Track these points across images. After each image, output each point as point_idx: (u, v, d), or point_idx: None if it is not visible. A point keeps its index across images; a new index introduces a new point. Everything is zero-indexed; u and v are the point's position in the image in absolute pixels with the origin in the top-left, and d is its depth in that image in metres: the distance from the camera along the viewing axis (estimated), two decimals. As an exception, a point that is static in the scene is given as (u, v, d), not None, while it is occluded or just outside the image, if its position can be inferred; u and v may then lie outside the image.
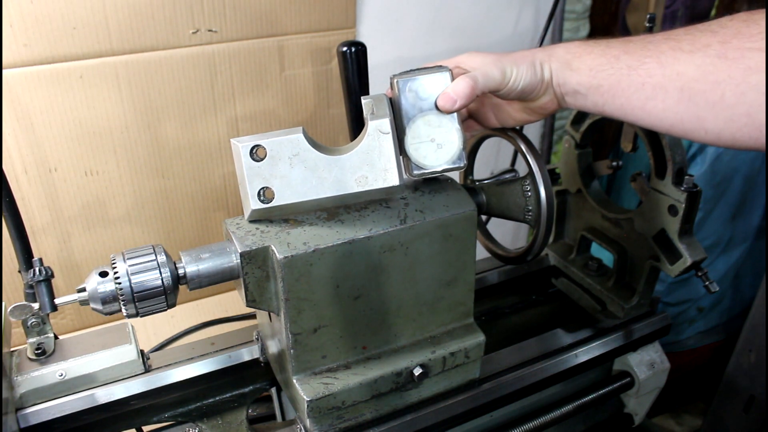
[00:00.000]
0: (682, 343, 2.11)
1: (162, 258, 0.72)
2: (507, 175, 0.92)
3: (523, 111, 0.82)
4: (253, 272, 0.73)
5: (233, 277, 0.75)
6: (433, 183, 0.83)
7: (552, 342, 1.03)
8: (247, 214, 0.74)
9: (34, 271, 0.78)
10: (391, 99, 0.76)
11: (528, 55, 0.76)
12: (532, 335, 1.04)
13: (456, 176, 0.91)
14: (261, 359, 0.93)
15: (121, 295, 0.70)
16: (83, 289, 0.71)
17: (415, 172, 0.76)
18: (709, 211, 1.86)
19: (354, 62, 0.82)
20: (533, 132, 1.91)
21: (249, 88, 1.34)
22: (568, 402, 1.07)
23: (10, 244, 0.80)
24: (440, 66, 0.75)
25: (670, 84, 0.66)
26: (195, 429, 0.91)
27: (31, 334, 0.83)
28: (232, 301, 1.45)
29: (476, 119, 0.87)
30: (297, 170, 0.72)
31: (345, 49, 0.82)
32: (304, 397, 0.77)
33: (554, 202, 0.84)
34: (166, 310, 0.74)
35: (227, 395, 0.93)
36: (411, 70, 0.76)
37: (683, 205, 0.94)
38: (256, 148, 0.71)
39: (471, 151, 0.99)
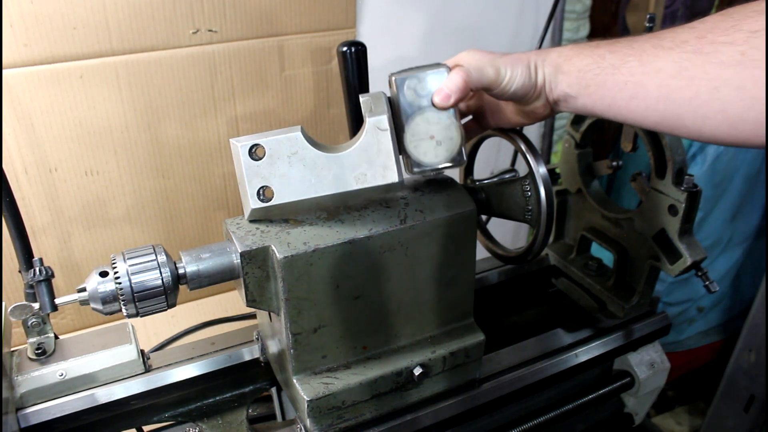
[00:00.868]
0: (682, 343, 2.11)
1: (162, 258, 0.72)
2: (507, 175, 0.92)
3: (518, 114, 0.82)
4: (254, 272, 0.73)
5: (233, 277, 0.75)
6: (434, 183, 0.83)
7: (552, 342, 1.03)
8: (246, 213, 0.74)
9: (35, 271, 0.78)
10: (389, 97, 0.76)
11: (524, 58, 0.76)
12: (532, 335, 1.04)
13: (456, 176, 0.91)
14: (261, 359, 0.93)
15: (122, 295, 0.70)
16: (83, 289, 0.71)
17: (415, 169, 0.76)
18: (709, 211, 1.86)
19: (354, 62, 0.82)
20: (533, 132, 1.91)
21: (249, 88, 1.34)
22: (568, 401, 1.07)
23: (11, 243, 0.80)
24: (438, 63, 0.75)
25: (649, 81, 0.66)
26: (195, 429, 0.91)
27: (32, 333, 0.83)
28: (233, 301, 1.45)
29: (475, 120, 0.87)
30: (296, 168, 0.72)
31: (345, 49, 0.82)
32: (305, 396, 0.77)
33: (554, 202, 0.84)
34: (166, 309, 0.74)
35: (227, 395, 0.93)
36: (409, 69, 0.76)
37: (683, 205, 0.94)
38: (255, 147, 0.71)
39: (471, 151, 0.99)
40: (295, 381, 0.79)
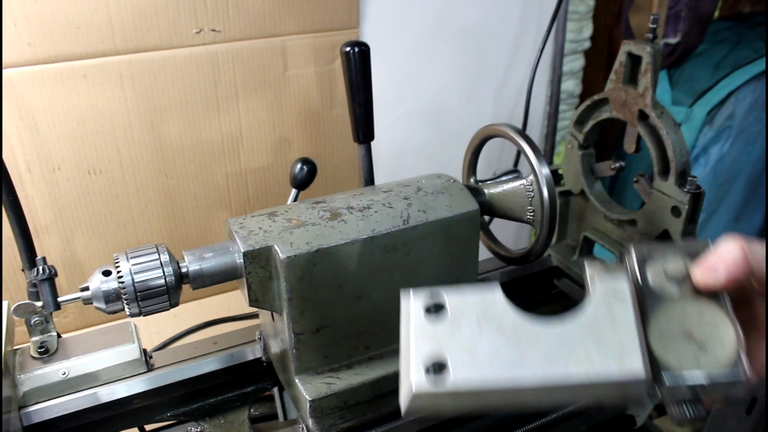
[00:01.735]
0: (684, 345, 2.11)
1: (165, 257, 0.72)
2: (510, 176, 0.92)
3: None
4: (256, 272, 0.73)
5: (236, 276, 0.75)
6: (436, 183, 0.83)
7: (554, 343, 1.02)
8: (403, 396, 0.51)
9: (38, 269, 0.78)
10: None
11: None
12: (534, 336, 1.03)
13: (458, 176, 0.91)
14: (263, 359, 0.93)
15: (124, 294, 0.70)
16: (86, 288, 0.72)
17: (668, 383, 0.51)
18: (712, 213, 1.86)
19: (357, 62, 0.82)
20: (536, 133, 1.91)
21: (252, 88, 1.34)
22: (569, 403, 1.06)
23: (14, 242, 0.80)
24: (696, 239, 0.61)
25: None
26: (197, 428, 0.91)
27: (35, 332, 0.84)
28: (235, 301, 1.45)
29: (746, 308, 0.59)
30: (487, 338, 0.51)
31: (348, 49, 0.82)
32: (307, 396, 0.77)
33: (557, 203, 0.83)
34: (169, 309, 0.74)
35: (229, 394, 0.93)
36: (657, 244, 0.60)
37: (686, 207, 0.94)
38: (433, 306, 0.53)
39: (474, 152, 0.99)
40: (297, 381, 0.79)
